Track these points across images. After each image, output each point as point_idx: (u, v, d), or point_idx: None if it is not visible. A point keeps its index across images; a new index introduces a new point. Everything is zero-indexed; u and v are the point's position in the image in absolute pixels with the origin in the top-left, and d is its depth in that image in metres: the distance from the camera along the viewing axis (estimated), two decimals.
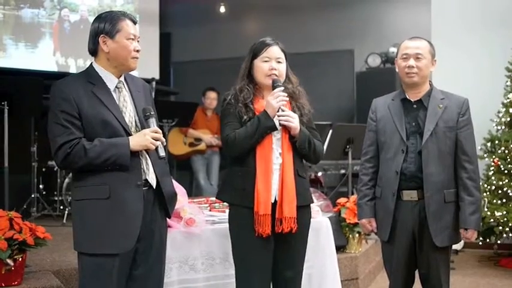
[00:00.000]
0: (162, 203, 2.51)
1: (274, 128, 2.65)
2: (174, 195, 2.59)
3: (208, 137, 6.49)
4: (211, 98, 6.57)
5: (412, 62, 2.81)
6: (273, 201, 2.64)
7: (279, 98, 2.63)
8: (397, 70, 2.94)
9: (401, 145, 2.83)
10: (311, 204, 2.85)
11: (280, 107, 2.62)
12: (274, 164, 2.65)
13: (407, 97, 2.89)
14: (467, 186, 2.80)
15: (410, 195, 2.81)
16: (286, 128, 2.67)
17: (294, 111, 2.71)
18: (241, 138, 2.62)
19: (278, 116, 2.62)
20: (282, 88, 2.66)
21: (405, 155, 2.82)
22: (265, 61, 2.71)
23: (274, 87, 2.67)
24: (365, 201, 2.97)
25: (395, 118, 2.87)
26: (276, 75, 2.70)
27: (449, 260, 2.92)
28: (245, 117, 2.66)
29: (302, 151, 2.70)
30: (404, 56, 2.84)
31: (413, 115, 2.86)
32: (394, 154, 2.84)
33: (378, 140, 2.94)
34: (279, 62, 2.72)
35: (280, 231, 2.62)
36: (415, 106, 2.87)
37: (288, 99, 2.68)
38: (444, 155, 2.80)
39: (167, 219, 2.61)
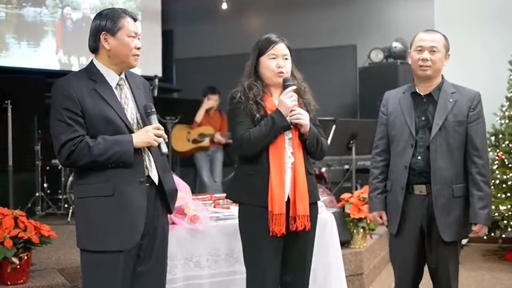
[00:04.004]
0: (163, 199, 2.52)
1: (289, 128, 2.63)
2: (175, 192, 2.59)
3: (217, 134, 6.50)
4: (213, 100, 6.55)
5: (426, 54, 2.79)
6: (285, 200, 2.63)
7: (293, 97, 2.62)
8: (409, 62, 2.91)
9: (410, 139, 2.82)
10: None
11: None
12: (287, 163, 2.64)
13: (418, 91, 2.87)
14: (476, 181, 2.78)
15: (419, 189, 2.81)
16: (296, 127, 2.66)
17: (301, 108, 2.69)
18: (256, 139, 2.60)
19: (290, 115, 2.62)
20: (294, 87, 2.65)
21: (414, 149, 2.81)
22: (272, 58, 2.68)
23: (285, 86, 2.65)
24: (375, 194, 2.96)
25: (405, 112, 2.85)
26: (283, 73, 2.68)
27: (458, 255, 2.90)
28: (257, 115, 2.63)
29: (311, 149, 2.70)
30: (419, 49, 2.81)
31: (422, 109, 2.84)
32: (404, 148, 2.83)
33: (388, 133, 2.93)
34: (285, 59, 2.70)
35: (294, 229, 2.61)
36: (425, 100, 2.85)
37: (297, 98, 2.67)
38: (453, 149, 2.78)
39: (171, 215, 2.62)
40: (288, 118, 2.62)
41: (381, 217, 2.97)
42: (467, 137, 2.80)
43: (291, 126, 2.64)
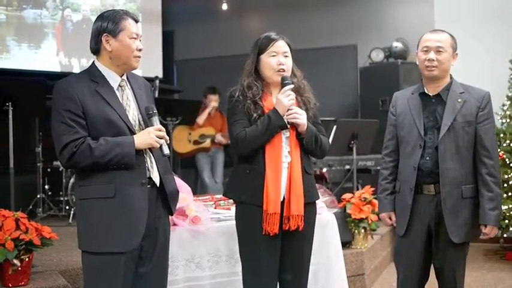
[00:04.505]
0: (165, 201, 2.51)
1: (285, 127, 2.63)
2: (176, 193, 2.59)
3: (218, 135, 6.50)
4: (213, 101, 6.56)
5: (432, 55, 2.77)
6: (281, 199, 2.63)
7: (290, 96, 2.62)
8: (417, 63, 2.90)
9: (418, 140, 2.80)
10: (317, 201, 2.85)
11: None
12: (283, 163, 2.64)
13: (426, 91, 2.86)
14: (486, 181, 2.76)
15: (428, 188, 2.80)
16: (293, 126, 2.65)
17: (300, 106, 2.69)
18: (252, 137, 2.60)
19: (287, 114, 2.61)
20: (292, 86, 2.65)
21: (423, 150, 2.79)
22: (273, 56, 2.68)
23: (283, 84, 2.65)
24: (384, 195, 2.96)
25: (414, 112, 2.84)
26: (284, 70, 2.68)
27: (466, 257, 2.88)
28: (254, 114, 2.63)
29: (309, 148, 2.69)
30: (425, 49, 2.80)
31: (431, 109, 2.83)
32: (412, 149, 2.82)
33: (397, 134, 2.93)
34: (285, 56, 2.70)
35: (287, 228, 2.62)
36: (433, 100, 2.84)
37: (295, 97, 2.66)
38: (462, 150, 2.76)
39: (172, 217, 2.62)
40: (284, 117, 2.61)
41: (390, 218, 2.97)
42: (476, 138, 2.78)
43: (288, 126, 2.64)
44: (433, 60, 2.77)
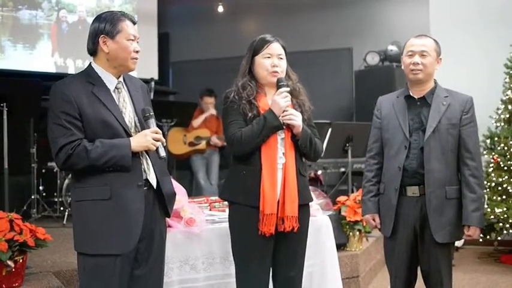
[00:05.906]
0: (161, 203, 2.51)
1: (281, 128, 2.64)
2: (173, 195, 2.59)
3: (214, 137, 6.50)
4: (208, 103, 6.56)
5: (417, 58, 2.82)
6: (277, 201, 2.64)
7: (286, 98, 2.63)
8: (402, 67, 2.95)
9: (404, 141, 2.84)
10: (311, 203, 2.86)
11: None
12: (278, 164, 2.65)
13: (411, 94, 2.90)
14: (469, 183, 2.80)
15: (412, 190, 2.83)
16: (288, 127, 2.67)
17: (295, 109, 2.70)
18: (247, 137, 2.61)
19: (282, 115, 2.62)
20: (288, 88, 2.67)
21: (408, 151, 2.83)
22: (267, 57, 2.70)
23: (279, 86, 2.66)
24: (369, 197, 2.98)
25: (399, 115, 2.89)
26: (278, 72, 2.69)
27: (451, 257, 2.91)
28: (250, 114, 2.64)
29: (303, 150, 2.70)
30: (410, 53, 2.86)
31: (416, 112, 2.88)
32: (397, 150, 2.86)
33: (382, 136, 2.96)
34: (280, 58, 2.71)
35: (282, 229, 2.62)
36: (418, 103, 2.89)
37: (290, 98, 2.67)
38: (446, 151, 2.81)
39: (167, 219, 2.62)
40: (280, 118, 2.62)
41: (373, 220, 2.98)
42: (460, 140, 2.83)
43: (283, 127, 2.65)
44: (418, 63, 2.83)
